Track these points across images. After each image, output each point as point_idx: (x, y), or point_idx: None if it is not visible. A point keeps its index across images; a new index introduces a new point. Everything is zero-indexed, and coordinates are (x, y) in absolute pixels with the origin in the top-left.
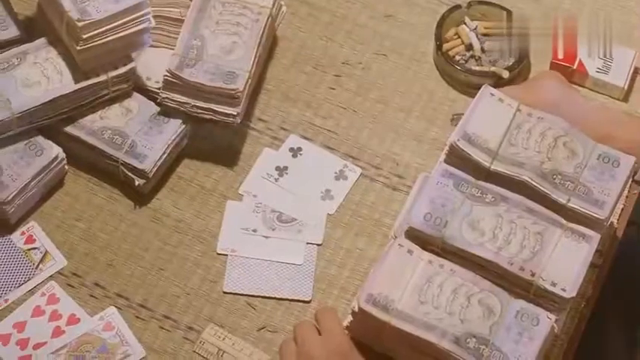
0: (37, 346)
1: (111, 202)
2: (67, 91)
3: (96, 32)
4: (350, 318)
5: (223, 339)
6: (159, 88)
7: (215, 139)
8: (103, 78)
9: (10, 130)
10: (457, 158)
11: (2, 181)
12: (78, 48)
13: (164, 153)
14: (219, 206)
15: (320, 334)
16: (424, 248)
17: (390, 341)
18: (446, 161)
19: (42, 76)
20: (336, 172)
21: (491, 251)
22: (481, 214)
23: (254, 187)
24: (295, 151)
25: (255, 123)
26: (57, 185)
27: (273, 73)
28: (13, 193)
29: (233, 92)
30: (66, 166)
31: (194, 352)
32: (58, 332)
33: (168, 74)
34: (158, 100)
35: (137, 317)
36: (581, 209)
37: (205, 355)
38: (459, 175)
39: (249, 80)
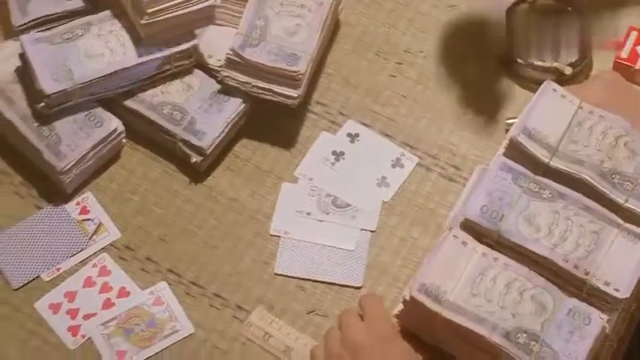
0: (86, 317)
1: (167, 177)
2: (129, 65)
3: (161, 7)
4: (400, 306)
5: (270, 323)
6: (220, 67)
7: (273, 120)
8: (165, 53)
9: (70, 101)
10: (516, 152)
11: (60, 151)
12: (142, 22)
13: (223, 131)
14: (274, 187)
15: (363, 320)
16: (479, 241)
17: (439, 332)
18: (505, 155)
19: (105, 48)
20: (392, 160)
21: (546, 247)
22: (538, 209)
23: (310, 171)
24: (353, 137)
25: (314, 106)
26: (114, 158)
27: (334, 58)
28: (71, 163)
29: (294, 74)
30: (124, 140)
31: (240, 333)
32: (108, 304)
33: (231, 53)
34: (219, 79)
35: (187, 294)
36: (638, 210)
37: (251, 338)
38: (518, 169)
39: (311, 63)
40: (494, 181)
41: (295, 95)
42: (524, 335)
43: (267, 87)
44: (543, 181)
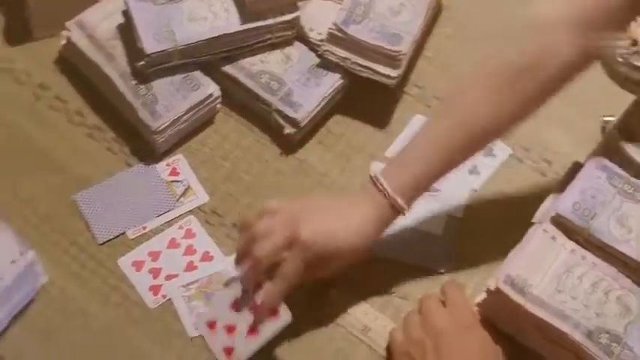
0: (168, 277)
1: (258, 146)
2: (232, 31)
3: None
4: (484, 295)
5: (350, 301)
6: (321, 40)
7: (369, 98)
8: (268, 22)
9: (170, 62)
10: (611, 152)
11: (156, 111)
12: None
13: (318, 105)
14: (364, 165)
15: (445, 306)
16: (567, 237)
17: (521, 325)
18: (600, 153)
19: (209, 12)
20: (485, 149)
21: (636, 250)
22: (631, 211)
23: None
24: None
25: (410, 88)
26: (207, 122)
27: (434, 41)
28: (165, 124)
29: (396, 54)
30: (219, 105)
31: (318, 308)
32: (190, 267)
33: (334, 28)
34: (319, 52)
35: None
36: None
37: (329, 313)
38: (614, 168)
39: (413, 45)
40: (588, 178)
41: (394, 75)
42: (607, 336)
43: (367, 65)
44: (638, 183)
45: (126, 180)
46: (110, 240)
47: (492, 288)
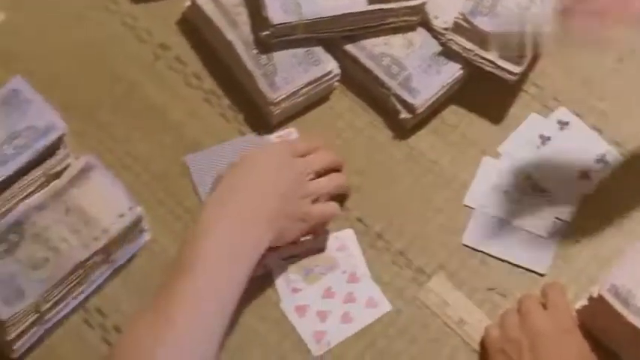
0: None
1: (371, 128)
2: (357, 10)
3: None
4: (584, 302)
5: (449, 291)
6: (445, 29)
7: (486, 92)
8: (394, 5)
9: (294, 34)
10: None
11: (275, 82)
12: None
13: (437, 93)
14: (475, 159)
15: (545, 309)
16: None
17: (619, 335)
18: None
19: None
20: (598, 155)
21: None
22: None
23: (514, 149)
24: (562, 124)
25: (529, 86)
26: (323, 99)
27: None
28: (283, 96)
29: None
30: (336, 83)
31: (417, 297)
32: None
33: (460, 17)
34: (442, 41)
35: (372, 246)
36: None
37: (427, 303)
38: None
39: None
40: None
41: (516, 71)
42: None
43: (490, 58)
44: None
45: (237, 147)
46: None
47: (595, 295)
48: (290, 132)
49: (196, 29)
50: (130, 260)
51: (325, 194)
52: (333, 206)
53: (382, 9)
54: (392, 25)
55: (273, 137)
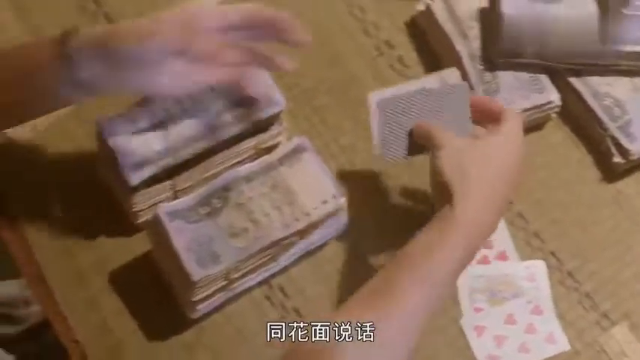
0: None
1: (581, 165)
2: (594, 49)
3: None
4: None
5: (630, 342)
6: None
7: None
8: (629, 49)
9: (522, 58)
10: None
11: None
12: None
13: None
14: None
15: None
16: None
17: None
18: None
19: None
20: None
21: None
22: None
23: None
24: None
25: None
26: (536, 127)
27: None
28: None
29: None
30: (554, 115)
31: (597, 341)
32: (484, 260)
33: None
34: None
35: (560, 282)
36: None
37: (606, 349)
38: None
39: None
40: None
41: None
42: None
43: None
44: None
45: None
46: None
47: None
48: None
49: (423, 34)
50: (321, 247)
51: None
52: None
53: (618, 50)
54: (621, 68)
55: None
